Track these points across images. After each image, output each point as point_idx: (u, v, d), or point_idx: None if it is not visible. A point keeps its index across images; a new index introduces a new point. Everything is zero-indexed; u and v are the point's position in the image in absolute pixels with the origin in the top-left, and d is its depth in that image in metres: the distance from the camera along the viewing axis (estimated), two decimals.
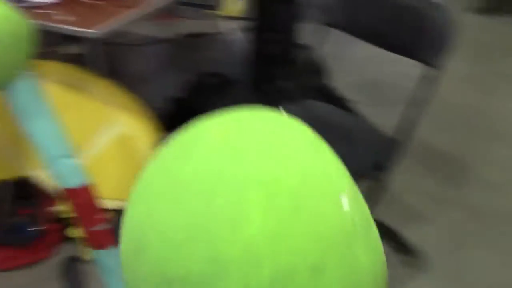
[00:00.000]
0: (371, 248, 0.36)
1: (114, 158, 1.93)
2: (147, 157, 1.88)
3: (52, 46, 2.40)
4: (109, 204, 1.91)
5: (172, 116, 2.28)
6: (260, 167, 0.34)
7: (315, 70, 2.34)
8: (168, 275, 0.34)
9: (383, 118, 1.77)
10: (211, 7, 3.77)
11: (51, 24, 1.52)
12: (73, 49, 2.83)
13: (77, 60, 2.06)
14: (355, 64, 3.17)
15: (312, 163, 0.35)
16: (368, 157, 1.59)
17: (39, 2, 1.66)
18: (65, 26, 1.50)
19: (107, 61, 3.40)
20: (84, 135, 1.96)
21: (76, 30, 1.48)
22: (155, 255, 0.35)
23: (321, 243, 0.33)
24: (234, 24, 3.64)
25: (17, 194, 1.88)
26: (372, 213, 0.39)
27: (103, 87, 1.99)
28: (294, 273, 0.32)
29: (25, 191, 1.87)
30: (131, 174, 1.93)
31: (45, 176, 1.90)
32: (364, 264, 0.36)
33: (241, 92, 2.18)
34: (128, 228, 0.39)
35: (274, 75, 2.30)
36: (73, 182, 1.07)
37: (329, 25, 1.71)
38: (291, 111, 1.72)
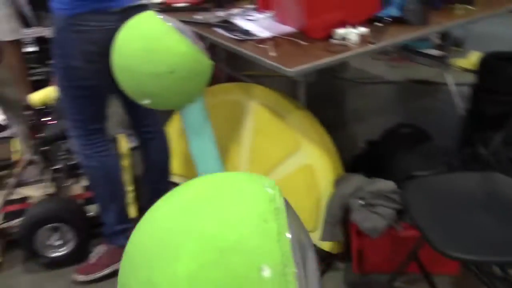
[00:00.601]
0: None
1: (293, 186, 2.07)
2: (324, 191, 1.97)
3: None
4: None
5: (360, 157, 2.33)
6: (205, 226, 0.42)
7: None
8: (129, 284, 0.45)
9: None
10: (446, 57, 3.65)
11: (255, 55, 1.74)
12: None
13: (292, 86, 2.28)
14: None
15: (250, 233, 0.42)
16: None
17: (255, 36, 1.90)
18: (266, 60, 1.69)
19: (327, 92, 3.60)
20: (273, 158, 2.15)
21: (273, 65, 1.66)
22: (125, 271, 0.47)
23: None
24: (463, 77, 3.48)
25: None
26: None
27: (299, 117, 2.15)
28: None
29: None
30: (305, 204, 2.05)
31: None
32: None
33: (431, 150, 2.10)
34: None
35: (478, 138, 2.16)
36: None
37: None
38: (472, 180, 1.61)
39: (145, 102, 1.21)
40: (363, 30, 1.84)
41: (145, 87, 1.16)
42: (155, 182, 2.16)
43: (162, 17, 1.16)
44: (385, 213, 1.86)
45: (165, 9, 2.28)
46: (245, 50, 1.81)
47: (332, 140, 2.16)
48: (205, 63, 1.16)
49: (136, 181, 2.36)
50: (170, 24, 1.14)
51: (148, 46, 1.13)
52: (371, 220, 1.85)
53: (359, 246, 1.97)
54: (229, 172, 0.49)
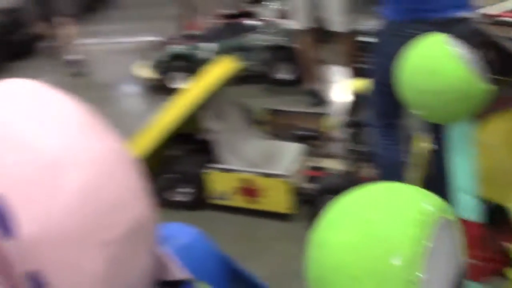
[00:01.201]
0: None
1: None
2: None
3: None
4: None
5: None
6: (362, 215, 0.55)
7: None
8: (312, 239, 0.61)
9: None
10: None
11: None
12: None
13: None
14: None
15: (392, 229, 0.52)
16: None
17: None
18: None
19: None
20: None
21: None
22: (313, 230, 0.62)
23: (366, 268, 0.53)
24: None
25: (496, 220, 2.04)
26: None
27: None
28: (342, 268, 0.54)
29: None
30: None
31: None
32: None
33: None
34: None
35: None
36: (466, 215, 1.27)
37: None
38: None
39: (415, 112, 1.31)
40: None
41: (417, 100, 1.25)
42: (432, 188, 2.18)
43: (449, 40, 1.20)
44: None
45: (488, 21, 2.16)
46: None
47: None
48: (479, 89, 1.17)
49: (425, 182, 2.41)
50: (454, 48, 1.18)
51: (426, 66, 1.22)
52: None
53: None
54: (407, 184, 0.60)
